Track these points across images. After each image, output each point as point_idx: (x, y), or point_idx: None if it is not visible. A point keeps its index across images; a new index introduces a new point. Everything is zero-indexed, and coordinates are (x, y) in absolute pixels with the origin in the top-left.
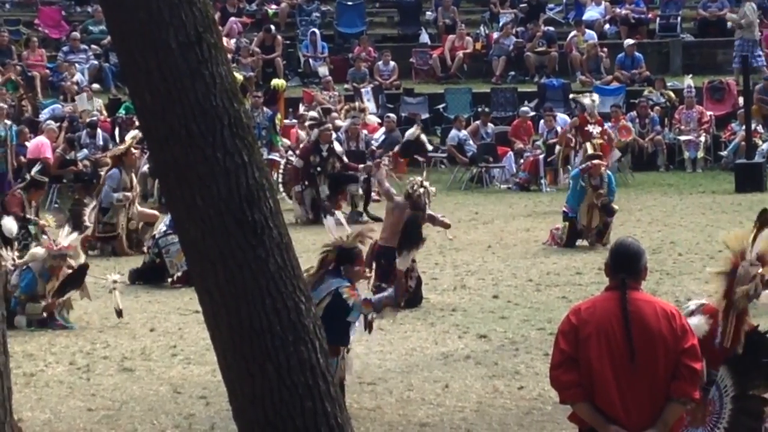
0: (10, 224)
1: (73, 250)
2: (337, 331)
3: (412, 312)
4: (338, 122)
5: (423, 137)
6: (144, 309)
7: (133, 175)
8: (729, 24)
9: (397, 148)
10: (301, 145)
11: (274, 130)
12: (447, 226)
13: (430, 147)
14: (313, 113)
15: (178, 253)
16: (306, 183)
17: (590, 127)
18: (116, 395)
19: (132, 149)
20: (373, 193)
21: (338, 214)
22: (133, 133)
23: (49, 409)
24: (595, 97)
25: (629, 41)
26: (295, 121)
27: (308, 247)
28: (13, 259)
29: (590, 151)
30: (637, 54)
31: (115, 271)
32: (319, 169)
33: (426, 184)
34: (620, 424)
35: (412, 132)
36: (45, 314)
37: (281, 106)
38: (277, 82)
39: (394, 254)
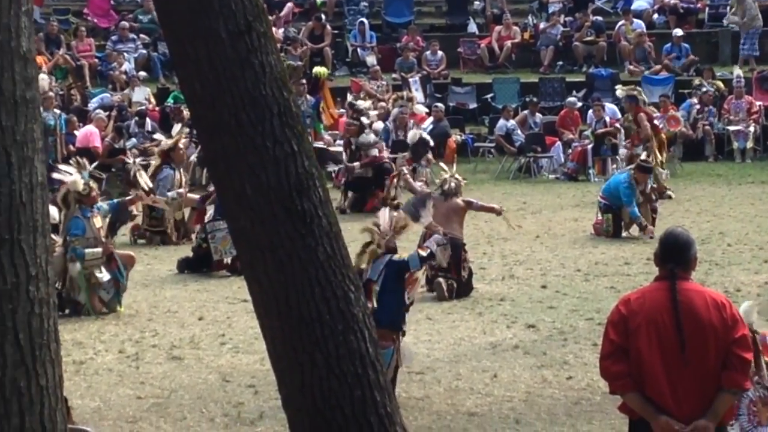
0: (53, 212)
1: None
2: (393, 309)
3: (460, 302)
4: (372, 112)
5: (425, 135)
6: (193, 298)
7: (182, 170)
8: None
9: (407, 155)
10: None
11: (318, 118)
12: (494, 211)
13: (432, 143)
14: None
15: (223, 240)
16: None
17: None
18: (165, 383)
19: (179, 144)
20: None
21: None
22: (179, 128)
23: (98, 396)
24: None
25: (678, 31)
26: (343, 110)
27: (356, 237)
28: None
29: (643, 156)
30: (684, 44)
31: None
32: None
33: (456, 176)
34: (670, 415)
35: (412, 136)
36: (104, 257)
37: (326, 94)
38: (319, 69)
39: (454, 247)
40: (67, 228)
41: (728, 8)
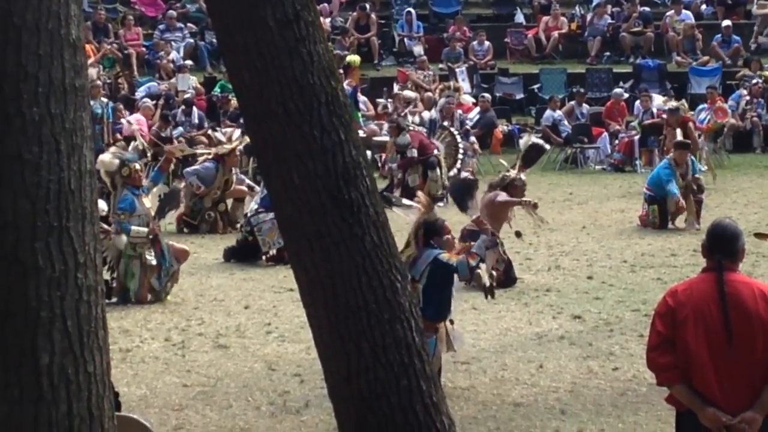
0: (101, 203)
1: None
2: (438, 303)
3: (506, 292)
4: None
5: (537, 140)
6: (239, 287)
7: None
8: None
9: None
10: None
11: (355, 106)
12: (530, 205)
13: (547, 147)
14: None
15: (270, 231)
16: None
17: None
18: (211, 372)
19: (236, 151)
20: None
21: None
22: (238, 134)
23: (144, 384)
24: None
25: (726, 22)
26: (390, 100)
27: (402, 227)
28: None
29: (679, 137)
30: (734, 35)
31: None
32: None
33: (521, 177)
34: (717, 406)
35: (525, 141)
36: (150, 236)
37: (356, 82)
38: (351, 57)
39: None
40: (116, 204)
41: None
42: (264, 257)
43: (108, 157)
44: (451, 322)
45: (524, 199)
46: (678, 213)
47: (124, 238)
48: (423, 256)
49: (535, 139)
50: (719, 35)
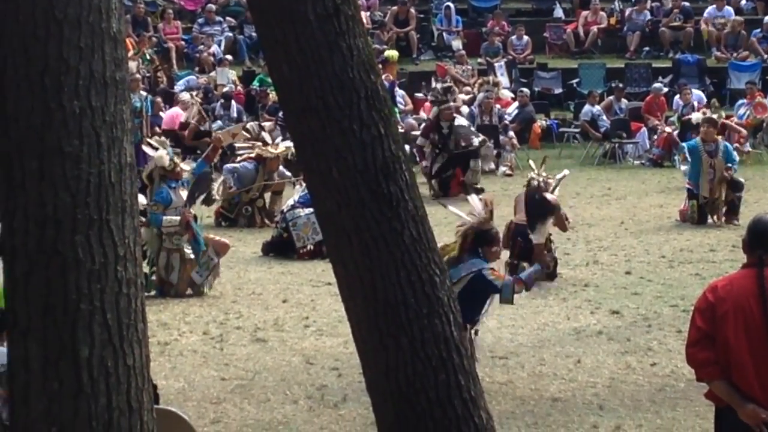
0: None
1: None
2: (470, 311)
3: (544, 288)
4: (462, 96)
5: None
6: (277, 280)
7: (275, 175)
8: None
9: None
10: (423, 124)
11: (393, 101)
12: (562, 228)
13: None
14: (438, 86)
15: (304, 227)
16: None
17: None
18: (249, 365)
19: (279, 157)
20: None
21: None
22: (285, 144)
23: (183, 377)
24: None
25: None
26: (420, 95)
27: (440, 221)
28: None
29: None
30: None
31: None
32: (439, 147)
33: (543, 174)
34: (757, 403)
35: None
36: (182, 225)
37: (393, 76)
38: (390, 53)
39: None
40: (153, 196)
41: None
42: (298, 253)
43: (163, 153)
44: (476, 332)
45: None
46: (716, 209)
47: (153, 231)
48: (468, 263)
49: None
50: (759, 30)
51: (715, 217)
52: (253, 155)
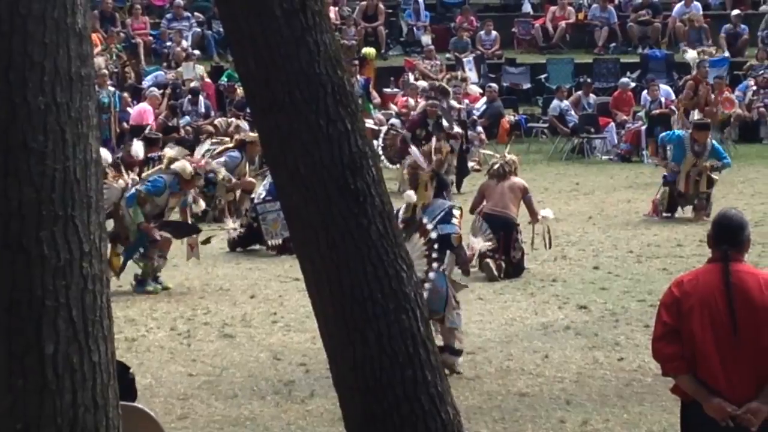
0: (138, 148)
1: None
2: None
3: (512, 282)
4: (454, 104)
5: None
6: (244, 276)
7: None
8: None
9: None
10: (410, 117)
11: (368, 98)
12: (534, 217)
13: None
14: (424, 84)
15: (274, 222)
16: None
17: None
18: (217, 361)
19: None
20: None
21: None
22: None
23: (150, 374)
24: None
25: (735, 12)
26: (396, 89)
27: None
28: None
29: (698, 116)
30: (742, 25)
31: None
32: (423, 142)
33: (506, 156)
34: (723, 397)
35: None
36: (139, 229)
37: (371, 74)
38: (367, 50)
39: (499, 222)
40: (148, 178)
41: None
42: (267, 246)
43: (186, 165)
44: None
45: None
46: (688, 200)
47: (130, 213)
48: (438, 203)
49: None
50: (727, 25)
51: (684, 210)
52: (233, 145)
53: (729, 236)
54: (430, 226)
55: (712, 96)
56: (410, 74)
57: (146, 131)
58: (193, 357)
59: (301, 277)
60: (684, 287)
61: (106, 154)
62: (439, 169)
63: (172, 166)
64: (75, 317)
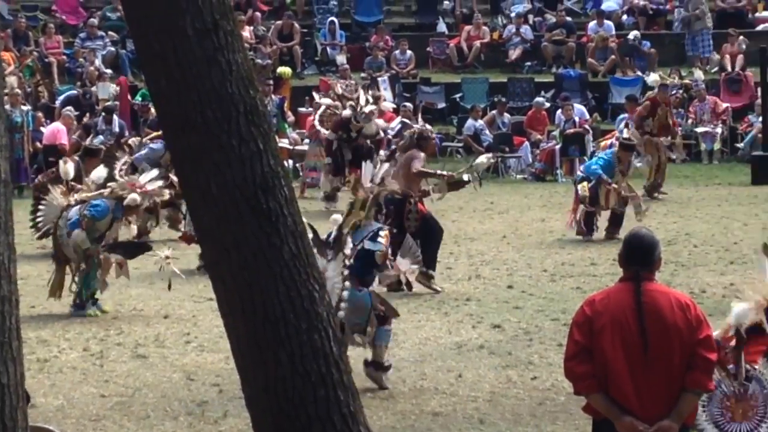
0: (101, 172)
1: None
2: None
3: (426, 302)
4: (381, 123)
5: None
6: (158, 296)
7: None
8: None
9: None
10: (335, 117)
11: (282, 117)
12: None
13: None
14: (327, 100)
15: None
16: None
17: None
18: (129, 382)
19: None
20: None
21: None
22: None
23: (62, 395)
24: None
25: (647, 32)
26: (311, 109)
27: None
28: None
29: (626, 135)
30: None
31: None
32: (346, 140)
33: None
34: (634, 415)
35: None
36: (85, 254)
37: (287, 93)
38: (283, 69)
39: (400, 200)
40: (92, 203)
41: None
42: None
43: (138, 197)
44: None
45: (442, 172)
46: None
47: (83, 235)
48: (368, 226)
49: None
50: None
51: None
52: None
53: (640, 256)
54: (350, 247)
55: (671, 120)
56: (319, 94)
57: (86, 143)
58: (105, 378)
59: (214, 296)
60: (596, 306)
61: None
62: (379, 197)
63: (125, 203)
64: None
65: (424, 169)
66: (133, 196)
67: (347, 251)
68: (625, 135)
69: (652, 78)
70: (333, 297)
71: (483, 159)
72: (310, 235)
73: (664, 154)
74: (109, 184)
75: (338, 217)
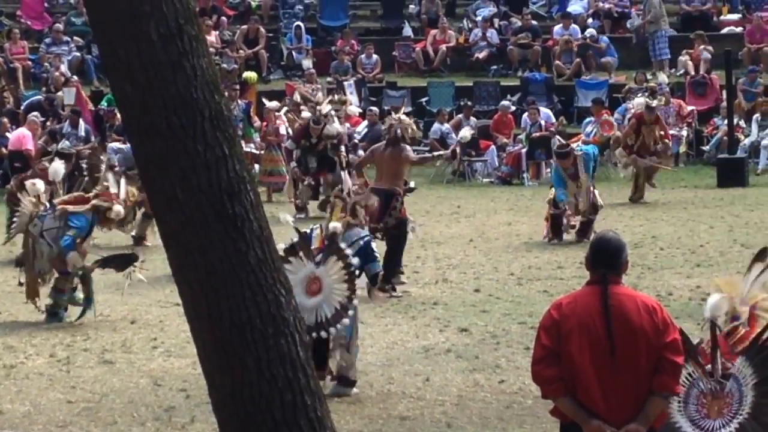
0: (58, 167)
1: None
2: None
3: (393, 306)
4: (337, 127)
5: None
6: (125, 301)
7: None
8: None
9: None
10: (295, 126)
11: (249, 122)
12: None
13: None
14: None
15: None
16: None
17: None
18: (96, 388)
19: None
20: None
21: (288, 217)
22: None
23: (29, 401)
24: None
25: (612, 35)
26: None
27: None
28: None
29: (558, 143)
30: (611, 48)
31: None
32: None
33: (404, 120)
34: (602, 419)
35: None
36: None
37: (252, 98)
38: (248, 74)
39: (384, 196)
40: (72, 220)
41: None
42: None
43: (120, 209)
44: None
45: (440, 153)
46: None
47: (78, 258)
48: (354, 231)
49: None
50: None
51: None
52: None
53: (607, 259)
54: (349, 251)
55: (659, 133)
56: (288, 99)
57: (59, 146)
58: (72, 384)
59: (181, 302)
60: (563, 310)
61: (40, 185)
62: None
63: (110, 216)
64: None
65: (422, 156)
66: (117, 209)
67: (354, 261)
68: (558, 144)
69: (662, 78)
70: (331, 302)
71: (467, 133)
72: (297, 239)
73: (643, 177)
74: (88, 195)
75: (288, 218)
